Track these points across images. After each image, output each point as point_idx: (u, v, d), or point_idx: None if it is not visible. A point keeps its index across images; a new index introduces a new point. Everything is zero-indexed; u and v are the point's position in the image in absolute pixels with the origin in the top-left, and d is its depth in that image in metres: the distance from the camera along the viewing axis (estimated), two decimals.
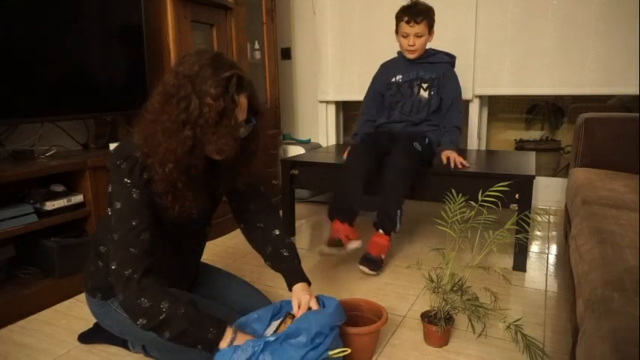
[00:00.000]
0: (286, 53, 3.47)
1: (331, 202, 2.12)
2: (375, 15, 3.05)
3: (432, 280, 1.43)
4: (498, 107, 3.84)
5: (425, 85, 2.25)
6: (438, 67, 2.25)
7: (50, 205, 1.73)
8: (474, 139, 3.02)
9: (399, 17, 2.14)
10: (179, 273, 1.33)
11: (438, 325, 1.38)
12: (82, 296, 1.80)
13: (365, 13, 3.09)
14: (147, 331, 1.06)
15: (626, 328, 0.76)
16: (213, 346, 1.07)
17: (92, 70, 2.03)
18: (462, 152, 2.59)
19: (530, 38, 2.68)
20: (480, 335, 1.46)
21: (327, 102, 3.40)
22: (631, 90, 2.51)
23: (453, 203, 1.41)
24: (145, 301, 1.03)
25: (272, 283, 1.88)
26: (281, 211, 2.50)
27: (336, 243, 2.00)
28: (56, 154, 1.98)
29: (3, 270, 1.75)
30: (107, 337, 1.42)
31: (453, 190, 1.44)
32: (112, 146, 2.13)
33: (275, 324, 1.23)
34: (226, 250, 2.31)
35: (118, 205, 1.07)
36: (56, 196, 1.79)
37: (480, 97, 2.95)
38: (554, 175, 3.27)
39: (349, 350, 1.18)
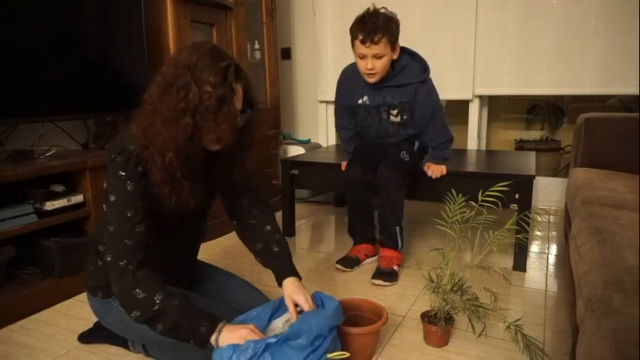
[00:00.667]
0: (286, 53, 3.47)
1: (349, 223, 2.10)
2: None
3: (432, 280, 1.43)
4: (498, 107, 3.85)
5: (394, 112, 1.94)
6: (407, 89, 1.88)
7: (50, 205, 1.73)
8: (474, 139, 3.02)
9: (352, 33, 1.77)
10: (178, 270, 1.33)
11: (438, 325, 1.38)
12: (82, 296, 1.81)
13: None
14: (141, 324, 1.07)
15: (626, 328, 0.76)
16: (205, 341, 1.07)
17: (92, 70, 2.03)
18: (462, 152, 2.59)
19: (530, 38, 2.68)
20: (480, 335, 1.46)
21: (327, 102, 3.40)
22: (631, 90, 2.51)
23: (453, 203, 1.41)
24: (139, 292, 1.04)
25: (272, 282, 1.87)
26: (281, 211, 2.50)
27: (352, 262, 2.02)
28: (56, 154, 1.98)
29: (3, 270, 1.75)
30: (107, 336, 1.42)
31: (453, 190, 1.44)
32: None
33: (277, 322, 1.23)
34: (226, 250, 2.31)
35: (113, 198, 1.08)
36: (56, 196, 1.79)
37: (480, 97, 2.95)
38: (554, 175, 3.27)
39: (348, 354, 1.18)
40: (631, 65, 2.47)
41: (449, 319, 1.41)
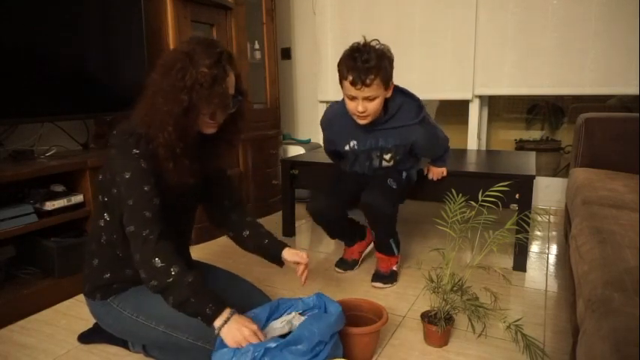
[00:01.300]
0: (286, 53, 3.47)
1: (330, 236, 2.02)
2: (375, 15, 3.05)
3: (432, 280, 1.43)
4: (498, 107, 3.85)
5: (387, 156, 1.79)
6: (403, 131, 1.71)
7: (50, 205, 1.73)
8: (474, 139, 3.02)
9: (340, 71, 1.58)
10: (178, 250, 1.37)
11: (438, 325, 1.38)
12: (82, 296, 1.81)
13: (365, 13, 3.09)
14: (155, 294, 1.12)
15: (627, 328, 0.76)
16: (210, 321, 1.11)
17: (92, 70, 2.03)
18: (462, 152, 2.59)
19: (530, 38, 2.68)
20: (480, 335, 1.46)
21: (327, 102, 3.40)
22: (631, 90, 2.51)
23: (453, 203, 1.41)
24: (158, 261, 1.10)
25: (272, 283, 1.88)
26: (281, 211, 2.51)
27: (350, 264, 2.02)
28: (56, 154, 1.98)
29: (3, 270, 1.75)
30: (107, 336, 1.42)
31: (453, 190, 1.44)
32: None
33: (274, 324, 1.23)
34: (225, 250, 2.31)
35: (127, 175, 1.14)
36: (56, 196, 1.79)
37: (480, 97, 2.95)
38: (554, 175, 3.27)
39: None
40: (631, 65, 2.47)
41: (449, 319, 1.41)
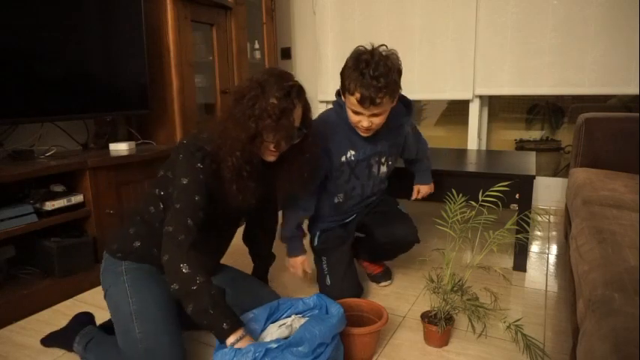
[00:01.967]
0: (286, 53, 3.47)
1: None
2: (375, 15, 3.05)
3: (432, 281, 1.43)
4: (498, 107, 3.84)
5: (383, 159, 1.67)
6: (397, 131, 1.64)
7: (50, 205, 1.73)
8: (474, 139, 3.02)
9: (346, 85, 1.41)
10: (211, 255, 1.44)
11: (438, 325, 1.38)
12: (82, 296, 1.82)
13: (365, 13, 3.09)
14: (176, 298, 1.15)
15: (627, 328, 0.76)
16: (223, 338, 1.12)
17: (92, 69, 2.03)
18: (462, 152, 2.59)
19: (530, 38, 2.68)
20: (480, 335, 1.46)
21: (327, 102, 3.40)
22: (631, 90, 2.51)
23: (453, 203, 1.41)
24: (185, 266, 1.12)
25: (273, 282, 1.88)
26: (281, 212, 2.50)
27: (387, 274, 1.91)
28: (56, 154, 1.98)
29: (3, 270, 1.75)
30: (65, 341, 1.43)
31: (453, 190, 1.44)
32: (112, 146, 2.13)
33: (272, 326, 1.22)
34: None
35: (185, 181, 1.21)
36: (56, 196, 1.79)
37: (480, 97, 2.95)
38: (554, 175, 3.27)
39: None
40: (631, 65, 2.47)
41: (449, 320, 1.41)
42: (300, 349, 1.07)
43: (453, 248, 1.39)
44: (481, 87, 2.87)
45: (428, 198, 2.04)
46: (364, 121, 1.44)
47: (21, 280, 1.76)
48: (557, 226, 2.63)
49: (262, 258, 1.71)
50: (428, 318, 1.43)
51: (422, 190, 1.90)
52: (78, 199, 1.83)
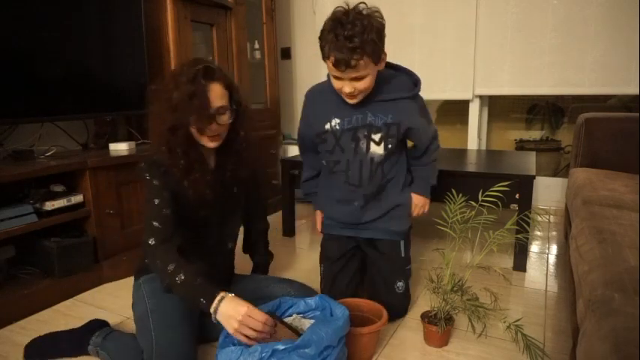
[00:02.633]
0: (286, 53, 3.47)
1: None
2: None
3: (432, 281, 1.43)
4: (498, 107, 3.85)
5: (377, 137, 1.47)
6: (397, 105, 1.45)
7: (50, 205, 1.73)
8: (474, 139, 3.02)
9: (322, 47, 1.31)
10: (209, 270, 1.38)
11: (438, 325, 1.38)
12: (82, 296, 1.82)
13: None
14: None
15: (627, 328, 0.76)
16: (209, 310, 1.14)
17: (92, 69, 2.03)
18: (462, 152, 2.59)
19: (530, 38, 2.68)
20: (480, 335, 1.46)
21: None
22: (631, 90, 2.51)
23: (453, 203, 1.41)
24: (159, 263, 1.20)
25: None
26: (281, 211, 2.51)
27: None
28: (56, 154, 1.98)
29: (3, 270, 1.75)
30: (69, 344, 1.40)
31: (453, 190, 1.44)
32: (112, 146, 2.13)
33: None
34: None
35: (147, 197, 1.26)
36: (56, 196, 1.79)
37: (480, 97, 2.95)
38: (554, 175, 3.27)
39: None
40: (631, 65, 2.47)
41: (449, 320, 1.41)
42: (307, 351, 1.07)
43: (453, 248, 1.39)
44: (481, 87, 2.87)
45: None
46: (346, 86, 1.34)
47: (21, 280, 1.76)
48: (557, 226, 2.63)
49: (261, 256, 1.71)
50: (428, 318, 1.43)
51: (416, 208, 1.66)
52: (78, 199, 1.83)
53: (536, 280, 1.90)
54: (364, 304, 1.47)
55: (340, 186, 1.55)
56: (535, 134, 3.87)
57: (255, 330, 1.10)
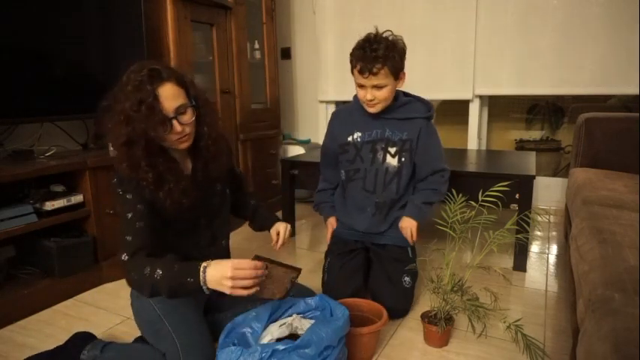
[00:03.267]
0: (286, 53, 3.47)
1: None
2: (375, 15, 3.05)
3: (432, 281, 1.43)
4: (498, 107, 3.84)
5: (393, 150, 1.67)
6: (412, 124, 1.66)
7: (50, 205, 1.73)
8: (474, 139, 3.02)
9: (351, 61, 1.57)
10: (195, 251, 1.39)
11: (438, 325, 1.38)
12: (82, 296, 1.82)
13: (365, 13, 3.09)
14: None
15: (627, 328, 0.76)
16: (199, 288, 1.12)
17: (92, 69, 2.03)
18: (462, 152, 2.59)
19: (530, 38, 2.68)
20: (480, 335, 1.46)
21: (327, 102, 3.40)
22: (631, 90, 2.51)
23: (453, 203, 1.41)
24: (134, 274, 1.16)
25: None
26: (281, 211, 2.50)
27: None
28: (56, 154, 1.98)
29: (3, 270, 1.75)
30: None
31: (453, 190, 1.44)
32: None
33: (273, 326, 1.22)
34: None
35: (120, 211, 1.23)
36: (56, 196, 1.79)
37: (480, 97, 2.95)
38: (554, 175, 3.27)
39: None
40: (631, 65, 2.47)
41: (449, 320, 1.41)
42: (307, 351, 1.07)
43: (452, 248, 1.39)
44: (481, 87, 2.87)
45: None
46: (367, 93, 1.56)
47: (21, 280, 1.76)
48: (557, 226, 2.63)
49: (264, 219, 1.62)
50: (428, 318, 1.43)
51: (401, 224, 1.70)
52: (78, 199, 1.83)
53: (536, 280, 1.90)
54: (364, 304, 1.47)
55: (356, 194, 1.72)
56: (535, 134, 3.87)
57: (249, 279, 1.09)
